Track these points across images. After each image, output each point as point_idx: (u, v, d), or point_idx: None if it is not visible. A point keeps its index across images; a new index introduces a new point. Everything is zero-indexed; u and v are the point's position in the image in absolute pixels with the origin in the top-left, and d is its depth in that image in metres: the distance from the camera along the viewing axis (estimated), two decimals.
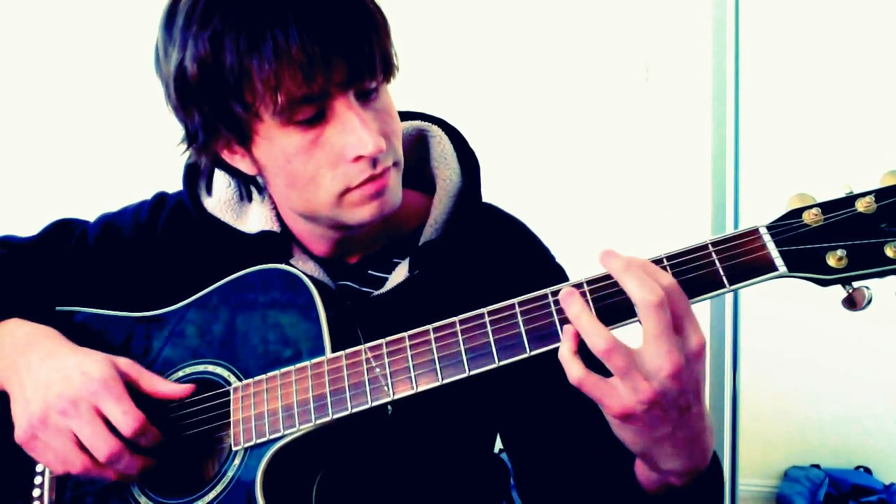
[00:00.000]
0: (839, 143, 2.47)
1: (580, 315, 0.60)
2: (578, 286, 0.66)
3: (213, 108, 0.74)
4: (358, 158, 0.74)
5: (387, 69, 0.75)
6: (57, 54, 2.94)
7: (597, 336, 0.59)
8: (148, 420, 0.75)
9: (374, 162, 0.75)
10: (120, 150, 2.88)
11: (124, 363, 0.78)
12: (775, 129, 2.61)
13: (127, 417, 0.73)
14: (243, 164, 0.80)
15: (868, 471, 2.63)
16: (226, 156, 0.80)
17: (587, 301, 0.64)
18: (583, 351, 0.61)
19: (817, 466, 2.68)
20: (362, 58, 0.72)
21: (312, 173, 0.75)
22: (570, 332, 0.62)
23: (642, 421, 0.60)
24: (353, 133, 0.73)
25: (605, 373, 0.61)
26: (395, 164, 0.79)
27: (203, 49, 0.71)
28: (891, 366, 2.63)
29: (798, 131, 2.62)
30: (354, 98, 0.73)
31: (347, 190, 0.76)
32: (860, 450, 2.67)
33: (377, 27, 0.74)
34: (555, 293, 0.67)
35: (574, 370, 0.60)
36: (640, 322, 0.59)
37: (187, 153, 0.83)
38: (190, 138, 0.79)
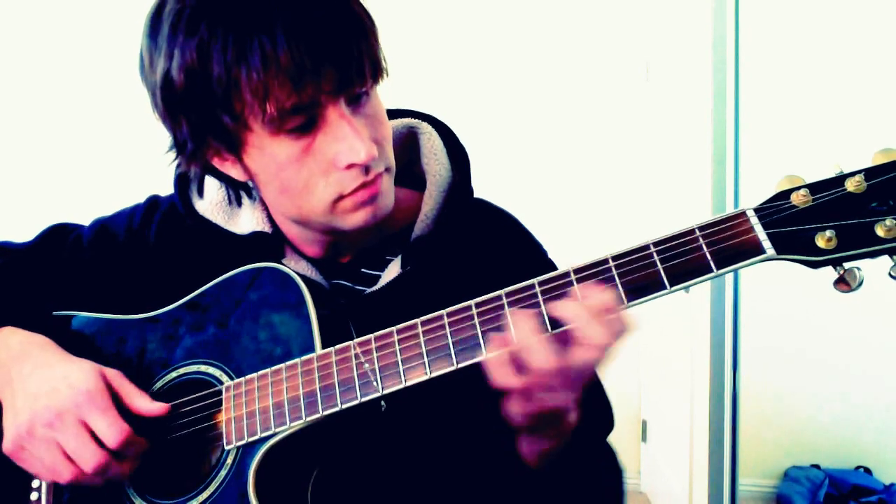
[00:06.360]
0: (840, 145, 2.46)
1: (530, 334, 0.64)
2: (566, 275, 0.66)
3: (200, 117, 0.72)
4: (350, 166, 0.73)
5: (376, 73, 0.74)
6: (51, 58, 2.95)
7: (542, 355, 0.63)
8: (133, 431, 0.74)
9: (366, 169, 0.74)
10: (114, 154, 2.89)
11: (111, 374, 0.77)
12: (776, 129, 2.61)
13: (112, 430, 0.73)
14: (234, 171, 0.79)
15: (868, 471, 2.62)
16: (216, 163, 0.79)
17: (575, 290, 0.65)
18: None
19: (817, 466, 2.67)
20: (352, 64, 0.70)
21: (305, 181, 0.74)
22: (501, 342, 0.66)
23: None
24: (344, 141, 0.72)
25: None
26: (388, 169, 0.78)
27: (190, 58, 0.69)
28: (891, 365, 2.63)
29: (799, 131, 2.62)
30: (345, 104, 0.72)
31: (341, 197, 0.75)
32: (860, 450, 2.67)
33: (365, 31, 0.72)
34: (542, 283, 0.67)
35: (512, 379, 0.65)
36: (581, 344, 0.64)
37: (176, 162, 0.81)
38: (179, 147, 0.78)
